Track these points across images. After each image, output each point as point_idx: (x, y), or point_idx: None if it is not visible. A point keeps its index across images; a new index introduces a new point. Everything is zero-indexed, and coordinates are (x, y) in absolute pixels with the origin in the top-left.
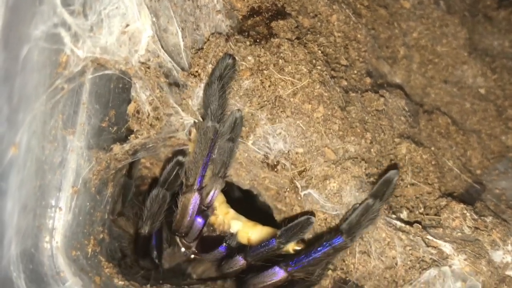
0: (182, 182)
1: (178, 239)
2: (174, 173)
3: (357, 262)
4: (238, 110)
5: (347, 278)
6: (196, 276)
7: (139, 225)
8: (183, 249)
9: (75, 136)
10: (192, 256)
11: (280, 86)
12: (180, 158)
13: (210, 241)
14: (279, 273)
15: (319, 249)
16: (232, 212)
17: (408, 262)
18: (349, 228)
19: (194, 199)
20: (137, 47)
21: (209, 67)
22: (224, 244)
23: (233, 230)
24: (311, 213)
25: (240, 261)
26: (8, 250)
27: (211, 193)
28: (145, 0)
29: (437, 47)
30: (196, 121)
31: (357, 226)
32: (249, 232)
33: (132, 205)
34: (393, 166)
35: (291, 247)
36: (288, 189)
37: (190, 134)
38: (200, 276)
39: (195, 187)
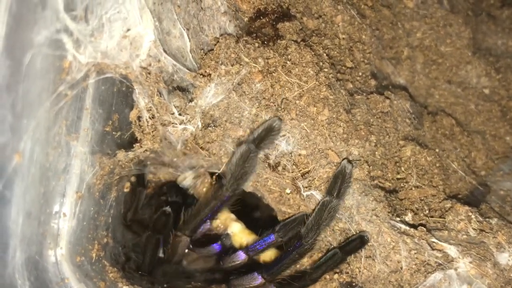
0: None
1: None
2: (161, 223)
3: (362, 266)
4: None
5: (353, 283)
6: (187, 264)
7: (139, 265)
8: None
9: (79, 142)
10: (186, 250)
11: (286, 88)
12: (167, 209)
13: (206, 239)
14: (257, 279)
15: (285, 255)
16: (233, 216)
17: (413, 266)
18: (307, 232)
19: (184, 244)
20: (138, 51)
21: (222, 68)
22: (219, 242)
23: (229, 231)
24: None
25: (241, 256)
26: (13, 258)
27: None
28: (148, 4)
29: (441, 47)
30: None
31: (314, 227)
32: (244, 238)
33: (144, 208)
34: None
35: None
36: (290, 191)
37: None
38: (190, 264)
39: (188, 233)
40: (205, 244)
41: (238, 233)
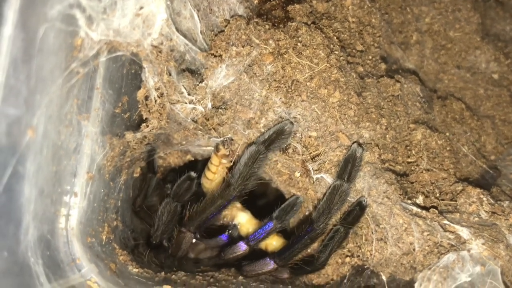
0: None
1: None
2: (184, 187)
3: (373, 249)
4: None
5: (365, 265)
6: (194, 255)
7: (151, 233)
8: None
9: (90, 122)
10: (194, 240)
11: (297, 70)
12: (191, 173)
13: (213, 229)
14: (269, 264)
15: (297, 240)
16: (239, 205)
17: (426, 247)
18: (318, 216)
19: (188, 240)
20: (150, 30)
21: (232, 49)
22: (226, 233)
23: (236, 221)
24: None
25: (242, 247)
26: (25, 236)
27: None
28: None
29: (449, 32)
30: (224, 139)
31: (326, 211)
32: (251, 228)
33: (153, 195)
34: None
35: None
36: (300, 174)
37: (217, 150)
38: (197, 254)
39: (192, 229)
40: (212, 234)
41: (245, 223)
